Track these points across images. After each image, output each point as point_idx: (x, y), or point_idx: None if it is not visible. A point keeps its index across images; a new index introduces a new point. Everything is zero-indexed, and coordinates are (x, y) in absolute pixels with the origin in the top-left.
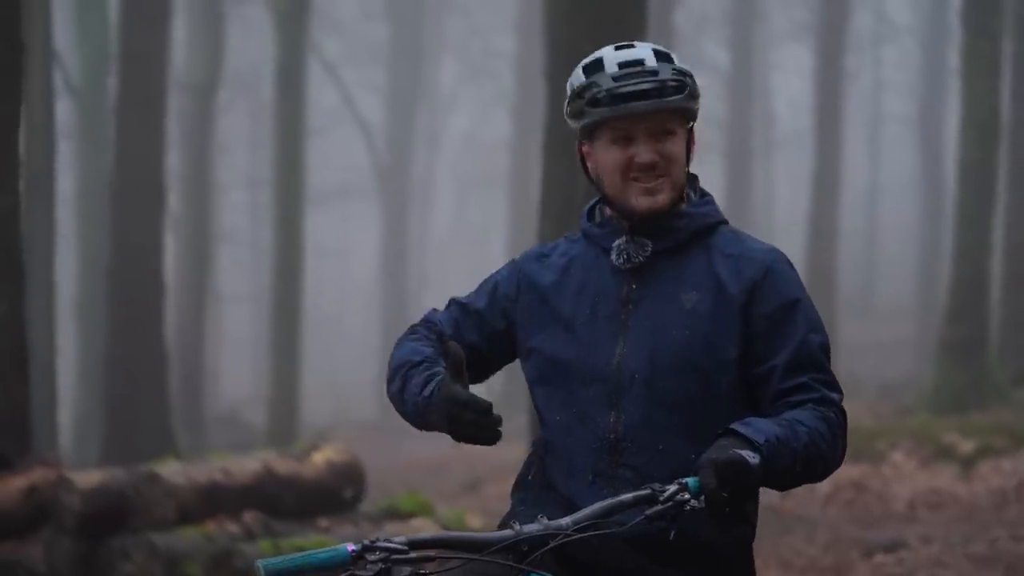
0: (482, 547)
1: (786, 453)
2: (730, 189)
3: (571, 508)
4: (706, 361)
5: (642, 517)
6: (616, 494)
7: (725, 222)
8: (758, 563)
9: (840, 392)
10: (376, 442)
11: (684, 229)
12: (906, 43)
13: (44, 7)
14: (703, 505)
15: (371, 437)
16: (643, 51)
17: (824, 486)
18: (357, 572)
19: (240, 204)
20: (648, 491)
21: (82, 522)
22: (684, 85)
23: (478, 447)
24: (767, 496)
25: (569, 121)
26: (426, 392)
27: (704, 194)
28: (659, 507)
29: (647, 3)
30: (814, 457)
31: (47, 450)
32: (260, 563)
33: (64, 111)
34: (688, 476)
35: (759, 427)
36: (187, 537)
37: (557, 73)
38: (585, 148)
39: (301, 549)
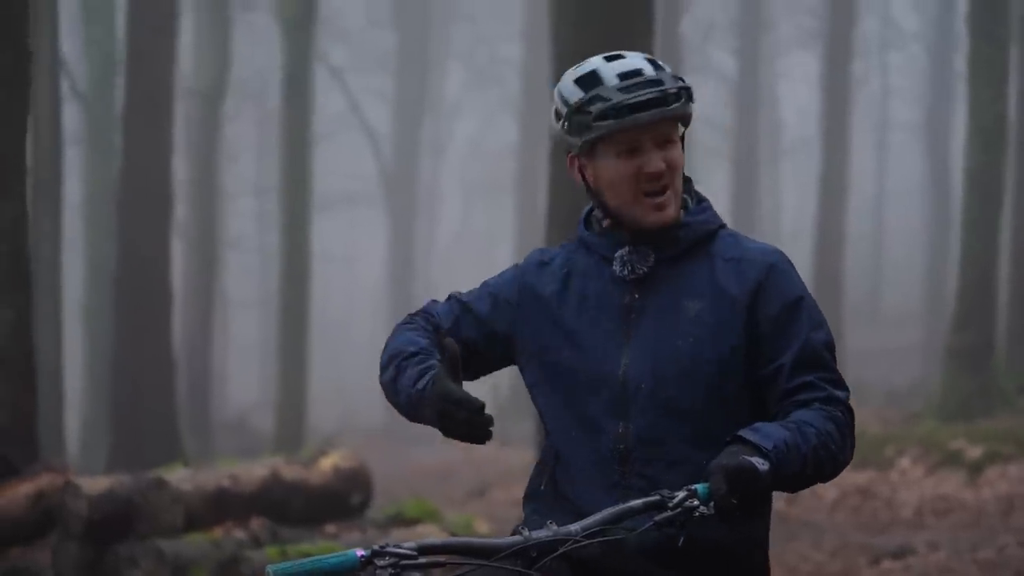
0: (491, 553)
1: (795, 457)
2: (737, 196)
3: (583, 518)
4: (711, 369)
5: (651, 523)
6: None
7: (723, 226)
8: None
9: (846, 389)
10: (383, 448)
11: (684, 238)
12: (913, 49)
13: (51, 14)
14: (712, 511)
15: (378, 443)
16: (637, 60)
17: (831, 492)
18: None
19: (247, 211)
20: (657, 497)
21: (89, 528)
22: (682, 91)
23: (484, 452)
24: (773, 502)
25: (567, 137)
26: (419, 385)
27: (700, 199)
28: (668, 513)
29: (654, 10)
30: (824, 458)
31: (54, 456)
32: (270, 568)
33: (71, 118)
34: (698, 482)
35: (767, 433)
36: (194, 543)
37: None
38: (582, 161)
39: (308, 555)
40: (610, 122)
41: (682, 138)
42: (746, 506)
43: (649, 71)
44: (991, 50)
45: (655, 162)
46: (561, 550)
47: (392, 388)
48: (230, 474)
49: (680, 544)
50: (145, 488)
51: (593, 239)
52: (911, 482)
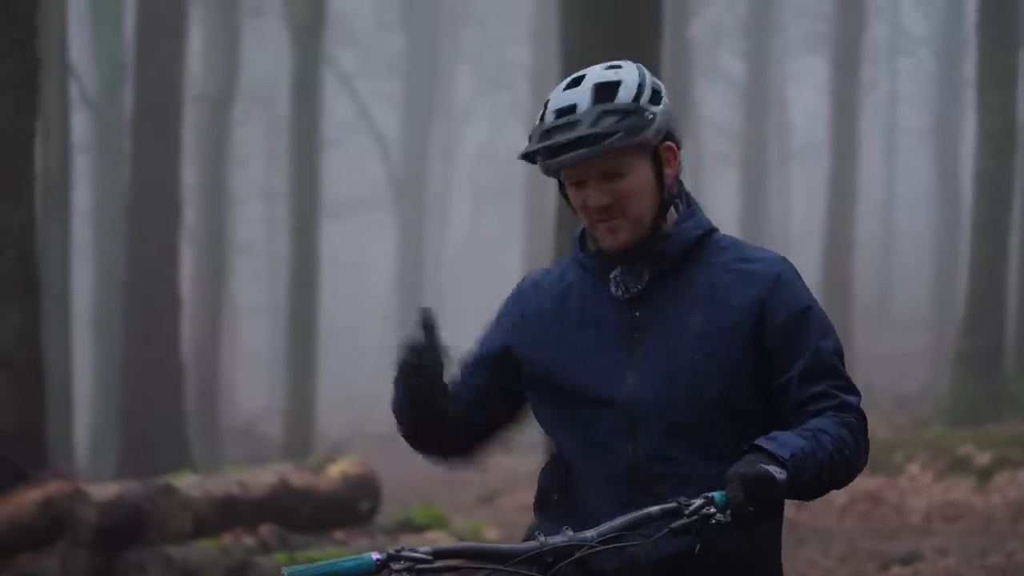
0: (507, 558)
1: (812, 465)
2: (746, 200)
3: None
4: (719, 384)
5: (667, 530)
6: None
7: (714, 230)
8: None
9: (858, 394)
10: (391, 455)
11: (671, 252)
12: (922, 54)
13: (60, 20)
14: (729, 519)
15: (386, 450)
16: (581, 93)
17: (840, 498)
18: None
19: (256, 216)
20: (674, 504)
21: (98, 535)
22: (621, 127)
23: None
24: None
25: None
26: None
27: (689, 203)
28: (684, 520)
29: (663, 14)
30: (839, 465)
31: (63, 463)
32: (286, 570)
33: (80, 124)
34: (715, 490)
35: (784, 441)
36: (203, 550)
37: None
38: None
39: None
40: (542, 161)
41: (675, 147)
42: (763, 515)
43: (583, 106)
44: (1000, 55)
45: (596, 197)
46: (577, 555)
47: (394, 410)
48: (239, 480)
49: (696, 552)
50: (154, 494)
51: (587, 259)
52: (920, 488)
